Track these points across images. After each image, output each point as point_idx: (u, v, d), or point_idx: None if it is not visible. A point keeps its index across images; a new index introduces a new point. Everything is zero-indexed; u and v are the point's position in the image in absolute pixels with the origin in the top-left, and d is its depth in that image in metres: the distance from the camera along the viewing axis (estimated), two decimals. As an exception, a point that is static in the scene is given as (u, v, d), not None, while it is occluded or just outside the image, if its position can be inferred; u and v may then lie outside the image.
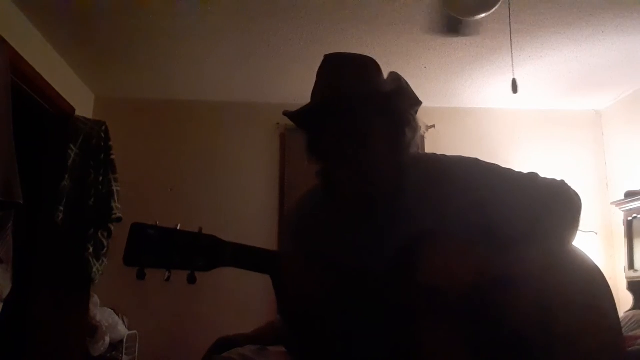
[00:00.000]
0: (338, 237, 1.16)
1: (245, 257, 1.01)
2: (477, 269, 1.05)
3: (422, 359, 1.02)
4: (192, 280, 0.98)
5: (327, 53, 1.23)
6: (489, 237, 1.10)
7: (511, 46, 2.92)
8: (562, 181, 1.19)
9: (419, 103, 1.20)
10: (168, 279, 0.98)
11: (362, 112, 1.13)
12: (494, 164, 1.22)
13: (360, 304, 1.06)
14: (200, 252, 0.97)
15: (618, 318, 1.11)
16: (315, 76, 1.23)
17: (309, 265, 1.05)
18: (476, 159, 1.22)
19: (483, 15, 2.36)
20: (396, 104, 1.16)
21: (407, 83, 1.19)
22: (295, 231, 1.25)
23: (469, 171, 1.19)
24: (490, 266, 1.05)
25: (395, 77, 1.19)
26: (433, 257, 1.05)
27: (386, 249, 1.10)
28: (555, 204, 1.14)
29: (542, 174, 1.20)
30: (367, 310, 1.06)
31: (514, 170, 1.21)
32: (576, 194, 1.18)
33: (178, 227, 0.98)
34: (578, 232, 1.16)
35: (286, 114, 1.19)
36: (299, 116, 1.18)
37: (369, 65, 1.20)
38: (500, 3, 2.31)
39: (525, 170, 1.23)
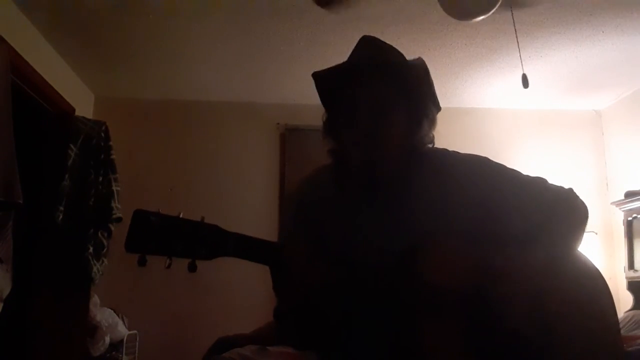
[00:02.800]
0: (341, 226, 1.16)
1: (246, 247, 1.01)
2: (478, 268, 1.05)
3: (423, 356, 1.02)
4: (192, 268, 0.97)
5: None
6: (491, 235, 1.10)
7: (518, 44, 2.91)
8: (570, 189, 1.19)
9: (439, 108, 1.22)
10: (169, 266, 0.97)
11: (390, 83, 1.13)
12: (502, 165, 1.22)
13: (361, 300, 1.06)
14: (203, 241, 0.97)
15: (617, 321, 1.11)
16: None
17: (310, 257, 1.04)
18: (485, 158, 1.22)
19: (482, 17, 2.35)
20: (422, 91, 1.17)
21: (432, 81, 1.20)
22: (299, 213, 1.25)
23: (475, 169, 1.19)
24: (491, 266, 1.05)
25: (426, 68, 1.20)
26: (435, 256, 1.05)
27: (389, 241, 1.10)
28: (562, 210, 1.14)
29: (547, 178, 1.20)
30: (368, 306, 1.06)
31: (521, 173, 1.21)
32: (583, 203, 1.17)
33: (180, 216, 0.98)
34: (581, 239, 1.16)
35: (317, 73, 1.19)
36: (330, 75, 1.18)
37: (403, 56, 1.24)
38: (498, 5, 2.30)
39: (525, 171, 1.22)
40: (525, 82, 2.67)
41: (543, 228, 1.10)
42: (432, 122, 1.20)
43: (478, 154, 1.27)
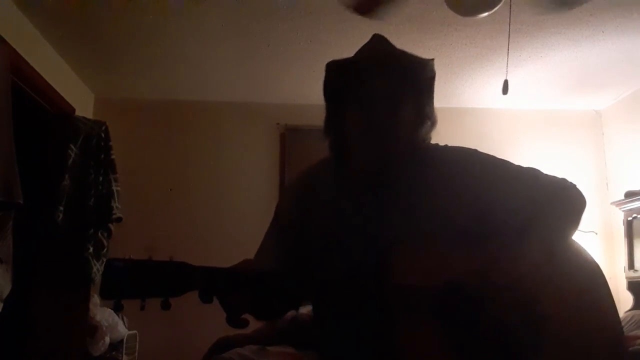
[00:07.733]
0: (335, 223, 1.16)
1: (212, 280, 1.04)
2: (457, 265, 1.04)
3: (402, 356, 1.01)
4: (166, 306, 1.01)
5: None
6: (483, 227, 1.09)
7: (508, 46, 2.91)
8: (564, 179, 1.18)
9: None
10: (143, 308, 1.02)
11: (404, 79, 1.13)
12: (492, 156, 1.21)
13: (343, 300, 1.06)
14: (171, 279, 1.00)
15: (618, 316, 1.10)
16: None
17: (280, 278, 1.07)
18: (474, 150, 1.22)
19: (485, 14, 2.35)
20: (431, 90, 1.18)
21: None
22: (297, 205, 1.27)
23: (466, 161, 1.18)
24: (478, 261, 1.04)
25: (434, 70, 1.20)
26: (403, 256, 1.05)
27: (374, 240, 1.10)
28: (557, 201, 1.13)
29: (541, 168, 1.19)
30: (350, 307, 1.06)
31: (513, 164, 1.20)
32: (579, 192, 1.16)
33: (151, 258, 1.02)
34: (577, 230, 1.15)
35: (331, 63, 1.19)
36: (344, 66, 1.17)
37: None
38: (502, 3, 2.30)
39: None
40: (505, 88, 2.66)
41: (539, 217, 1.09)
42: (434, 123, 1.20)
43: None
